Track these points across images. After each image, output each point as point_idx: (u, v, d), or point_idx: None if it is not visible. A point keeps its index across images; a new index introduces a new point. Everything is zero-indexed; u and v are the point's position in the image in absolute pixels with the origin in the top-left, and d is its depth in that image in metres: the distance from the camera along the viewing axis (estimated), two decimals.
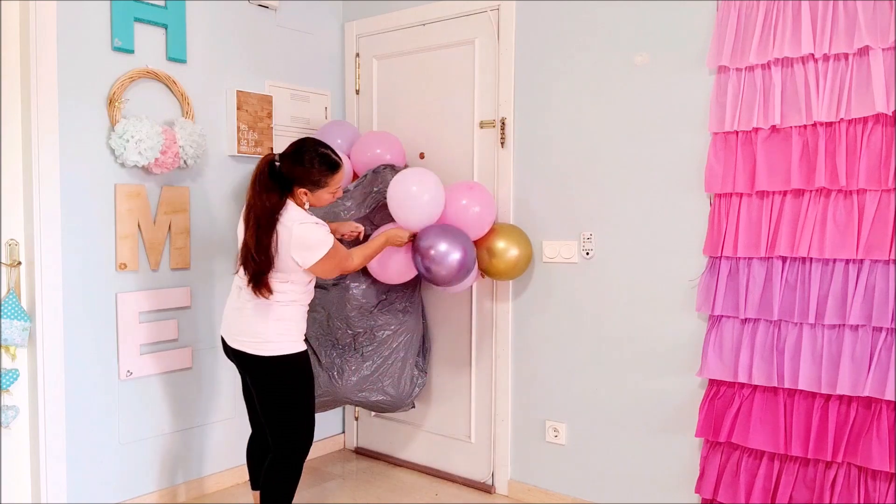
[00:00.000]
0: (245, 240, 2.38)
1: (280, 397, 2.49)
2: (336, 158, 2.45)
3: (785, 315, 2.50)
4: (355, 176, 3.22)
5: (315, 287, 2.60)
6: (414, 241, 2.85)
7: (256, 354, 2.44)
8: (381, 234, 2.79)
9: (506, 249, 2.95)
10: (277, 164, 2.40)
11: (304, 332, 2.56)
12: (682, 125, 2.72)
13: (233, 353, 2.54)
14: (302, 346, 2.51)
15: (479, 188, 3.00)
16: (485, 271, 3.00)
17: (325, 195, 2.46)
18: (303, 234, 2.36)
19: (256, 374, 2.50)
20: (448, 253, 2.78)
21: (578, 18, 2.95)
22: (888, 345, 2.33)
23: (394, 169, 3.11)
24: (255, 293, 2.38)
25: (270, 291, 2.37)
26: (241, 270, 2.43)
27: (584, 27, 2.94)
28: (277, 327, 2.44)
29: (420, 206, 2.80)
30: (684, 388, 2.77)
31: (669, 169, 2.76)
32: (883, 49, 2.28)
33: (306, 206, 2.45)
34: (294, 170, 2.38)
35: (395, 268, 2.94)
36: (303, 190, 2.41)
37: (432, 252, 2.78)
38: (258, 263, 2.33)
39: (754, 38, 2.48)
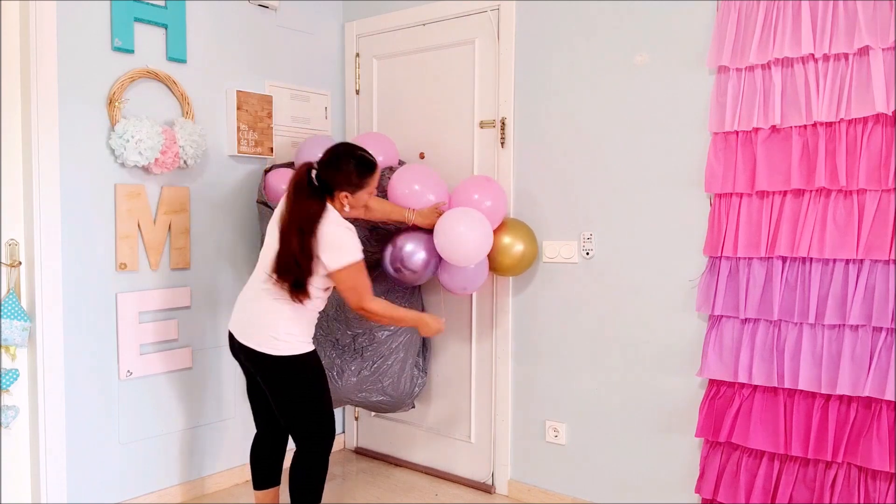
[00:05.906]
0: (290, 246, 2.39)
1: (297, 395, 2.53)
2: (372, 159, 2.54)
3: (785, 315, 2.50)
4: None
5: None
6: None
7: (270, 354, 2.47)
8: (414, 315, 2.76)
9: (511, 245, 2.95)
10: (315, 171, 2.46)
11: (312, 335, 2.59)
12: (682, 125, 2.72)
13: (242, 351, 2.54)
14: (312, 347, 2.56)
15: (492, 182, 2.99)
16: (490, 267, 3.00)
17: (363, 195, 2.54)
18: (334, 233, 2.42)
19: (270, 373, 2.52)
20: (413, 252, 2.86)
21: (578, 18, 2.95)
22: (888, 345, 2.33)
23: (391, 170, 3.10)
24: (294, 298, 2.43)
25: (309, 297, 2.43)
26: (265, 271, 2.46)
27: (584, 27, 2.94)
28: (288, 328, 2.47)
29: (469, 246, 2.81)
30: (684, 388, 2.77)
31: (669, 169, 2.76)
32: (883, 49, 2.27)
33: (346, 210, 2.51)
34: (335, 175, 2.45)
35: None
36: (344, 193, 2.47)
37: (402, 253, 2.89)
38: (302, 269, 2.39)
39: (754, 38, 2.48)
